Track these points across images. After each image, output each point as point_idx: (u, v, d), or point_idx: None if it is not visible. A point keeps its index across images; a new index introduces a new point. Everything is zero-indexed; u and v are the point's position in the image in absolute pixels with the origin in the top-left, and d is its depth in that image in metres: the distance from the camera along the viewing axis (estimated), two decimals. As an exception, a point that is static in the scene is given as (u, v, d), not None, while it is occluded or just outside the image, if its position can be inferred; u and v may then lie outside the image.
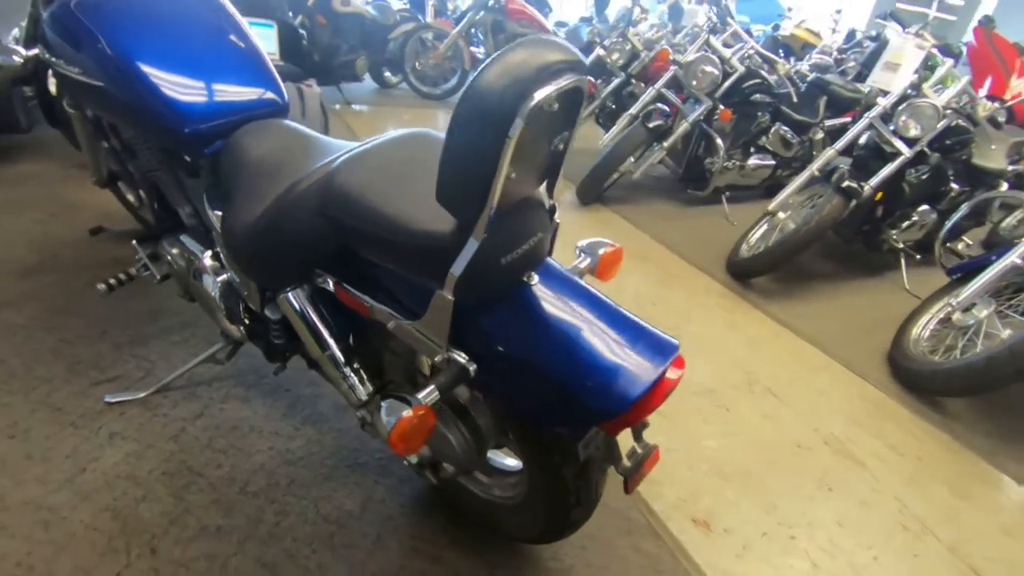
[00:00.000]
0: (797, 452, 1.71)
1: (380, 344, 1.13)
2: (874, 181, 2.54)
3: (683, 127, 3.16)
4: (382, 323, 0.93)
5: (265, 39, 3.22)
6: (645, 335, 0.82)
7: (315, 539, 1.22)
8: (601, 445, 0.86)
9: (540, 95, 0.63)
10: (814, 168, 2.64)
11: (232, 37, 1.33)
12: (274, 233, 0.94)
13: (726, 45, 3.26)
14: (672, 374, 0.80)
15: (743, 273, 2.69)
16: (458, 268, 0.74)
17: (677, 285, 2.61)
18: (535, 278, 0.84)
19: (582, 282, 0.89)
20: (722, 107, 3.13)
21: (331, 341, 1.04)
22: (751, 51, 3.25)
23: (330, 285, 1.00)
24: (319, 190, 0.89)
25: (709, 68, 2.99)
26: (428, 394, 0.80)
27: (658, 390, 0.78)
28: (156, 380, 1.51)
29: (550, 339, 0.80)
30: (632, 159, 3.23)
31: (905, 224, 2.85)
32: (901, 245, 2.86)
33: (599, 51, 3.84)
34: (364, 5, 4.57)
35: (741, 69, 3.09)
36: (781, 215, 2.68)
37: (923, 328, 2.25)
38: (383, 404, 0.81)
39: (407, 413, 0.77)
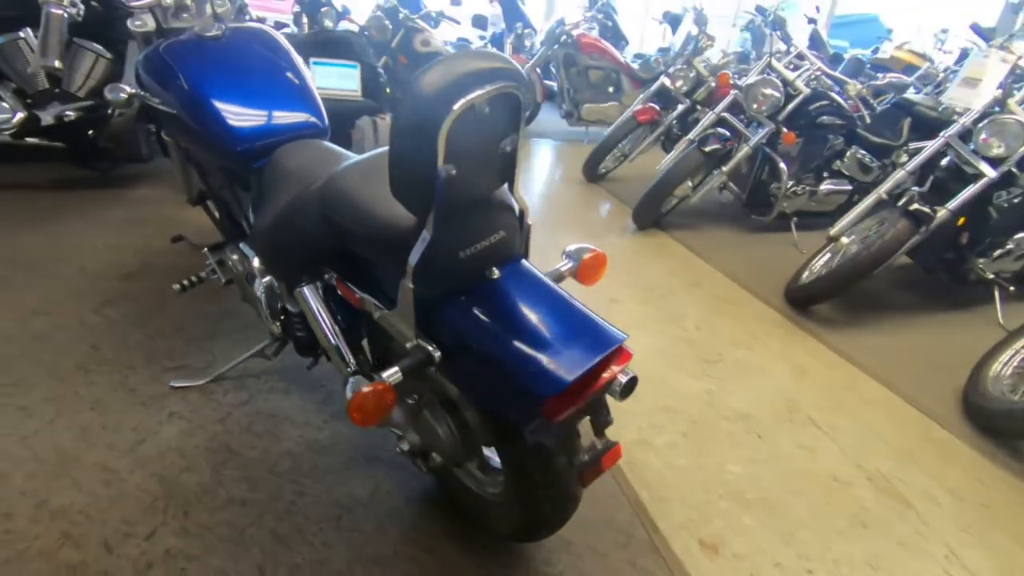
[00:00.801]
0: (832, 486, 1.60)
1: (388, 341, 1.23)
2: (952, 205, 2.35)
3: (743, 151, 3.09)
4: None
5: (349, 78, 3.56)
6: (593, 328, 0.85)
7: (324, 520, 1.32)
8: (555, 435, 0.89)
9: (468, 97, 0.71)
10: (882, 191, 2.48)
11: (287, 73, 1.54)
12: (284, 231, 1.08)
13: (791, 68, 3.17)
14: (615, 367, 0.83)
15: (801, 300, 2.56)
16: (414, 258, 0.83)
17: (727, 311, 2.53)
18: (496, 273, 0.91)
19: (546, 280, 0.94)
20: (785, 130, 3.03)
21: (335, 331, 1.16)
22: (818, 72, 3.13)
23: (334, 281, 1.12)
24: (319, 193, 1.02)
25: (769, 90, 2.92)
26: (391, 374, 0.89)
27: (596, 379, 0.81)
28: (215, 371, 1.71)
29: (503, 328, 0.86)
30: (689, 183, 3.20)
31: (997, 253, 2.58)
32: (992, 276, 2.59)
33: (663, 79, 3.86)
34: (444, 45, 4.92)
35: (806, 91, 2.99)
36: (844, 240, 2.53)
37: (1005, 364, 2.02)
38: (350, 379, 0.90)
39: (366, 388, 0.86)
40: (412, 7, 5.21)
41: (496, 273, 0.91)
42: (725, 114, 3.32)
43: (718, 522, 1.44)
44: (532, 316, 0.87)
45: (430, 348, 0.91)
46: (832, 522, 1.48)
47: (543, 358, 0.81)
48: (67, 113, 2.69)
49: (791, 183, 3.27)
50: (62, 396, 1.58)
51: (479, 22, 6.46)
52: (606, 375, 0.83)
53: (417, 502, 1.40)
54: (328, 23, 4.28)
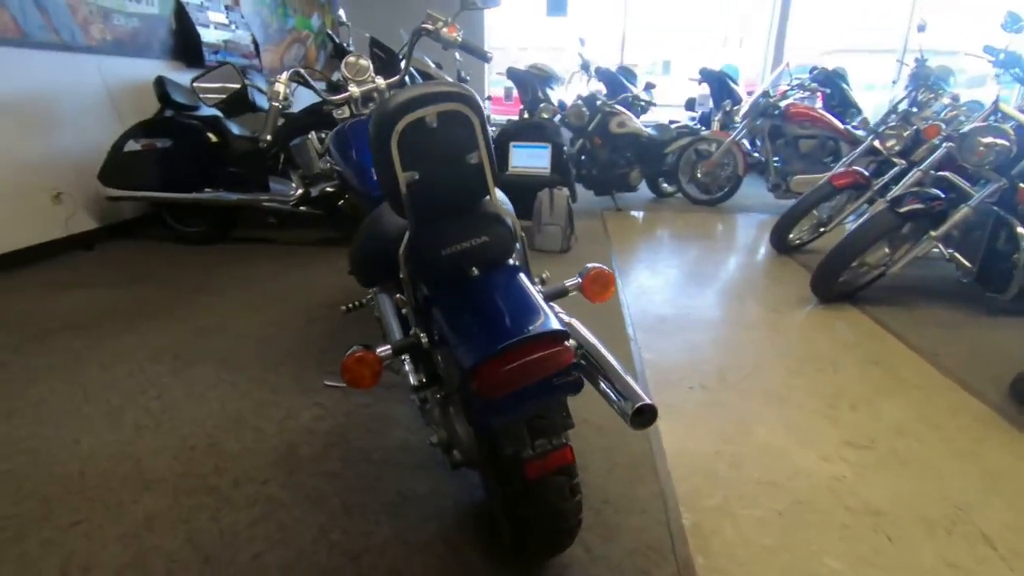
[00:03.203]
0: (982, 619, 1.19)
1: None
2: None
3: (961, 212, 2.55)
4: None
5: (540, 157, 4.09)
6: (536, 318, 0.92)
7: (384, 503, 1.52)
8: (500, 419, 0.94)
9: (416, 112, 0.90)
10: None
11: None
12: (360, 249, 1.39)
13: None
14: (545, 350, 0.87)
15: (1029, 395, 1.95)
16: (402, 249, 1.02)
17: (905, 396, 2.06)
18: (476, 272, 1.04)
19: (524, 283, 1.04)
20: (1022, 185, 2.42)
21: (396, 330, 1.39)
22: (1074, 114, 2.46)
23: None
24: (380, 217, 1.30)
25: (990, 139, 2.40)
26: (383, 349, 1.07)
27: (532, 366, 0.87)
28: (357, 377, 2.11)
29: (462, 315, 0.98)
30: (887, 250, 2.74)
31: None
32: None
33: (872, 140, 3.43)
34: (640, 126, 5.17)
35: (1052, 137, 2.37)
36: (1099, 320, 1.88)
37: None
38: (352, 348, 1.10)
39: (358, 353, 1.05)
40: (617, 91, 5.66)
41: (476, 272, 1.04)
42: (945, 172, 2.80)
43: (781, 612, 1.20)
44: (492, 308, 0.98)
45: (422, 335, 1.07)
46: (960, 661, 1.10)
47: (479, 336, 0.91)
48: (327, 188, 3.65)
49: (1048, 253, 2.55)
50: (259, 379, 2.14)
51: (690, 105, 6.62)
52: (542, 359, 0.87)
53: (463, 507, 1.50)
54: (544, 115, 4.95)
